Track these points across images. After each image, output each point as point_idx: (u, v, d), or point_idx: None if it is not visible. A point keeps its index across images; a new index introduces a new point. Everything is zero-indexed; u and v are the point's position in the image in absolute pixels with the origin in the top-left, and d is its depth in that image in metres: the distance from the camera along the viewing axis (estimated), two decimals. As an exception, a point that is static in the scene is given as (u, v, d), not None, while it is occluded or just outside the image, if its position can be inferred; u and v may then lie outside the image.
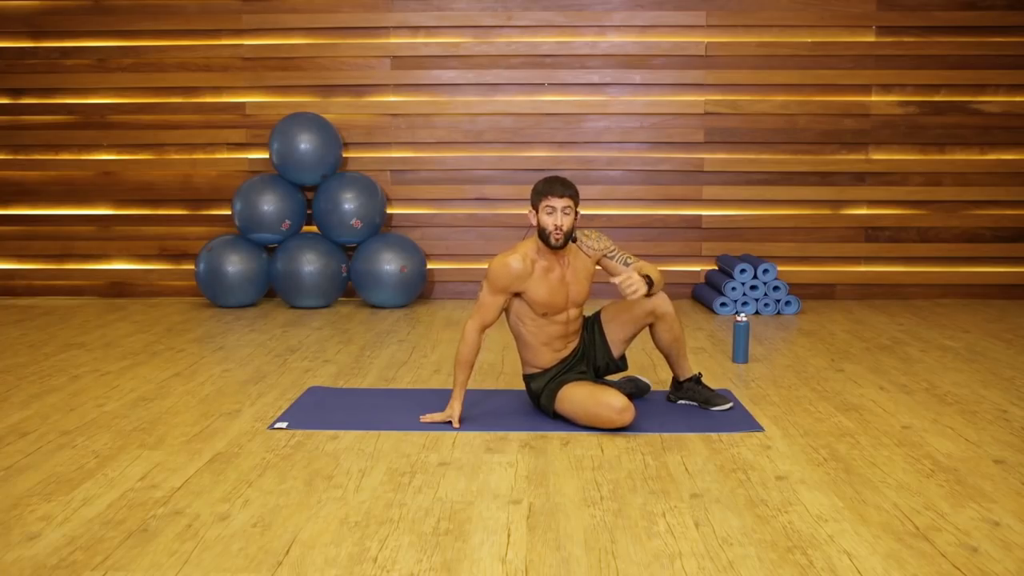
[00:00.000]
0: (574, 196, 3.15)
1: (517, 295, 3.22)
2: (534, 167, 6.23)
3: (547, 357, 3.28)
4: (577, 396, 3.16)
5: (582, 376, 3.30)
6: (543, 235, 3.15)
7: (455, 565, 2.11)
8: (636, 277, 3.05)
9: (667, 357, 3.46)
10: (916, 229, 6.28)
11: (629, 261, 3.29)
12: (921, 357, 4.38)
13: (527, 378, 3.36)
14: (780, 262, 6.13)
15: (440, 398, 3.47)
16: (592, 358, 3.39)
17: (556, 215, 3.11)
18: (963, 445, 3.00)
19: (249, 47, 6.22)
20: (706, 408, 3.42)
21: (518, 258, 3.16)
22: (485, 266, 6.28)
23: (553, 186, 3.13)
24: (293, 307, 5.90)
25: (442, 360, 4.34)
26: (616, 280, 3.07)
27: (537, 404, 3.35)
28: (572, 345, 3.34)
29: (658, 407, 3.47)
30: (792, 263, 6.24)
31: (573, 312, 3.28)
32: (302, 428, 3.18)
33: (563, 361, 3.30)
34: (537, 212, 3.15)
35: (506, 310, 3.28)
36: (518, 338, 3.32)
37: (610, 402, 3.07)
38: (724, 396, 3.48)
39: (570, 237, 3.19)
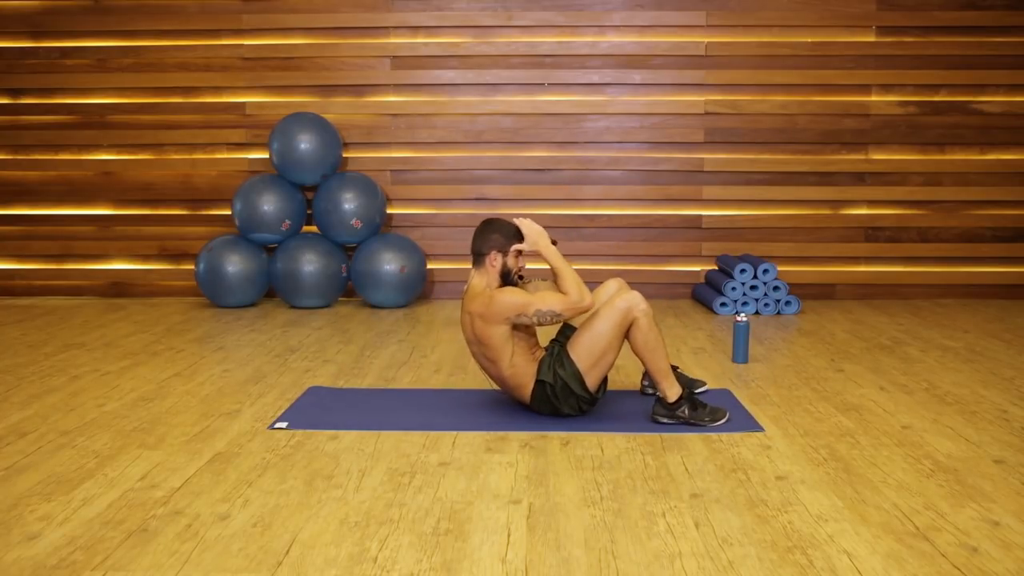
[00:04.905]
0: None
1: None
2: (534, 167, 6.24)
3: (533, 361, 3.28)
4: (585, 329, 3.18)
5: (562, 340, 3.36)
6: (510, 276, 3.25)
7: (455, 565, 2.11)
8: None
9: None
10: (916, 229, 6.28)
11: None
12: (921, 357, 4.38)
13: (537, 387, 3.22)
14: (780, 262, 6.14)
15: (440, 398, 3.46)
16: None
17: (521, 258, 3.30)
18: (963, 445, 3.00)
19: (249, 47, 6.22)
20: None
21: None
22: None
23: (519, 233, 3.28)
24: (293, 307, 5.90)
25: (442, 360, 4.34)
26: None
27: (556, 401, 3.21)
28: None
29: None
30: (792, 263, 6.24)
31: None
32: (302, 428, 3.18)
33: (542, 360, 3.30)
34: (505, 255, 3.24)
35: (484, 354, 3.24)
36: (504, 362, 3.21)
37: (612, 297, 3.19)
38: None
39: None
